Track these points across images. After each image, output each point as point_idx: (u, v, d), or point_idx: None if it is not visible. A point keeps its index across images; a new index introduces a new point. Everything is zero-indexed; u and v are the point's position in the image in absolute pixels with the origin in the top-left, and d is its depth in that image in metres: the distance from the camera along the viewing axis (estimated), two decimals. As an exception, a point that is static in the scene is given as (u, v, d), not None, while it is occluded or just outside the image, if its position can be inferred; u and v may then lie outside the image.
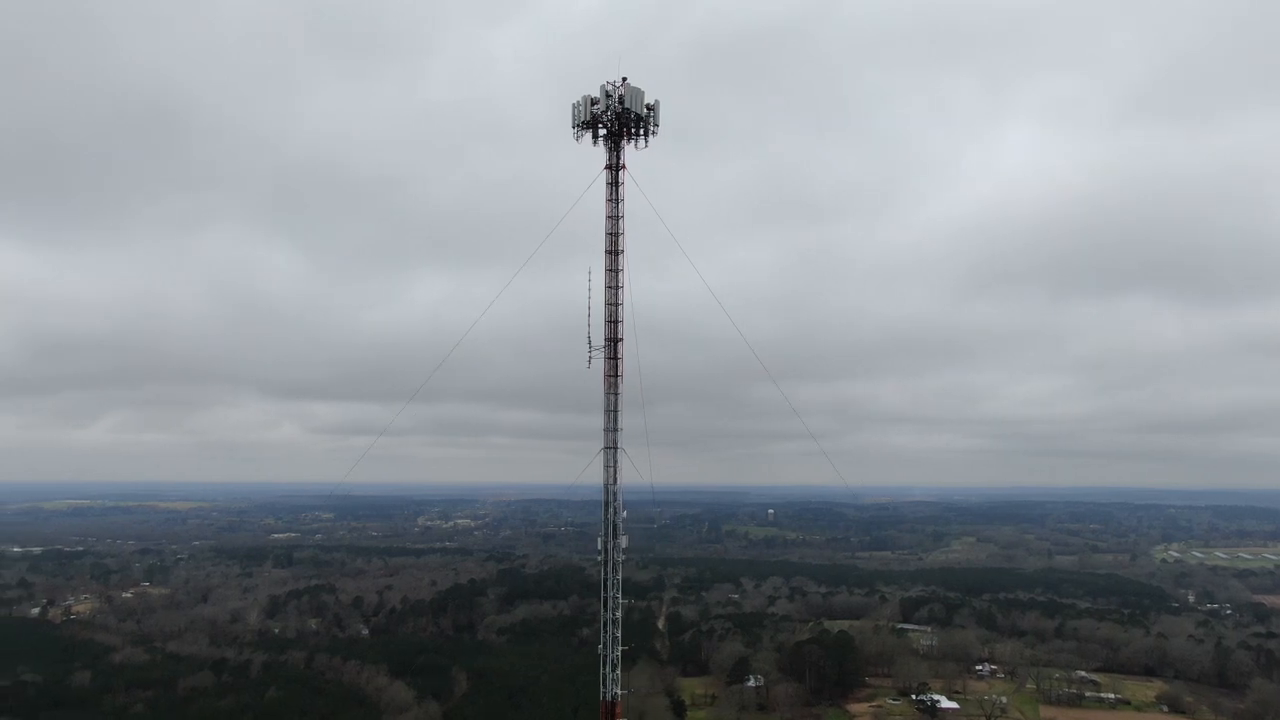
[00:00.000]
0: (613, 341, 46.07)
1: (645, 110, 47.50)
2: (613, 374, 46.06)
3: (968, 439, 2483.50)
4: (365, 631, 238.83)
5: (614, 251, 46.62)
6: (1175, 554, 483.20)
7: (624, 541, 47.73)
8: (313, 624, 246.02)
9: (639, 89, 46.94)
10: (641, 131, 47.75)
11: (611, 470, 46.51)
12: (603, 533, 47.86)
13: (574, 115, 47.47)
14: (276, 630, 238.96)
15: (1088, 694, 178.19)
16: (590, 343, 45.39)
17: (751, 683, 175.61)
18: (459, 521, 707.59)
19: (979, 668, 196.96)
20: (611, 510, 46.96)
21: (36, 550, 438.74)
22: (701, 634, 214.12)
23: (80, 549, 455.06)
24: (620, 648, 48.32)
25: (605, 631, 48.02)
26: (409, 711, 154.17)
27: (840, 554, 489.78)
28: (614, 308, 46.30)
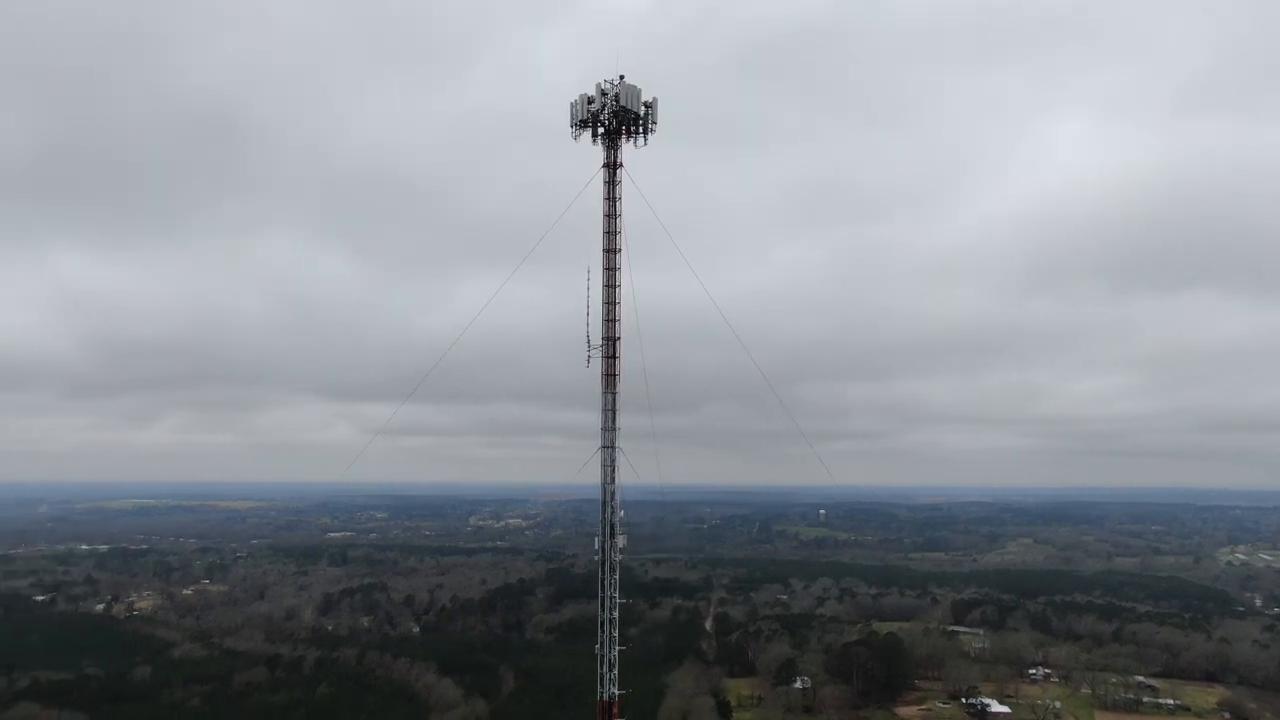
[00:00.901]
0: (610, 341, 46.08)
1: (643, 108, 47.38)
2: (610, 373, 46.12)
3: (1024, 438, 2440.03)
4: (416, 629, 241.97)
5: (611, 250, 46.60)
6: (1241, 556, 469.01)
7: (621, 541, 47.79)
8: (365, 622, 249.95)
9: (635, 86, 46.85)
10: (640, 129, 47.70)
11: (608, 470, 46.58)
12: (599, 532, 47.95)
13: (572, 114, 47.50)
14: (330, 627, 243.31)
15: (1145, 699, 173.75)
16: (589, 342, 45.50)
17: (798, 684, 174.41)
18: (511, 521, 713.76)
19: (1032, 671, 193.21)
20: (609, 510, 47.07)
21: (103, 548, 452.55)
22: (748, 634, 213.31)
23: (144, 547, 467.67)
24: (618, 647, 48.32)
25: (602, 631, 48.13)
26: (457, 709, 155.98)
27: (892, 555, 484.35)
28: (611, 306, 46.32)
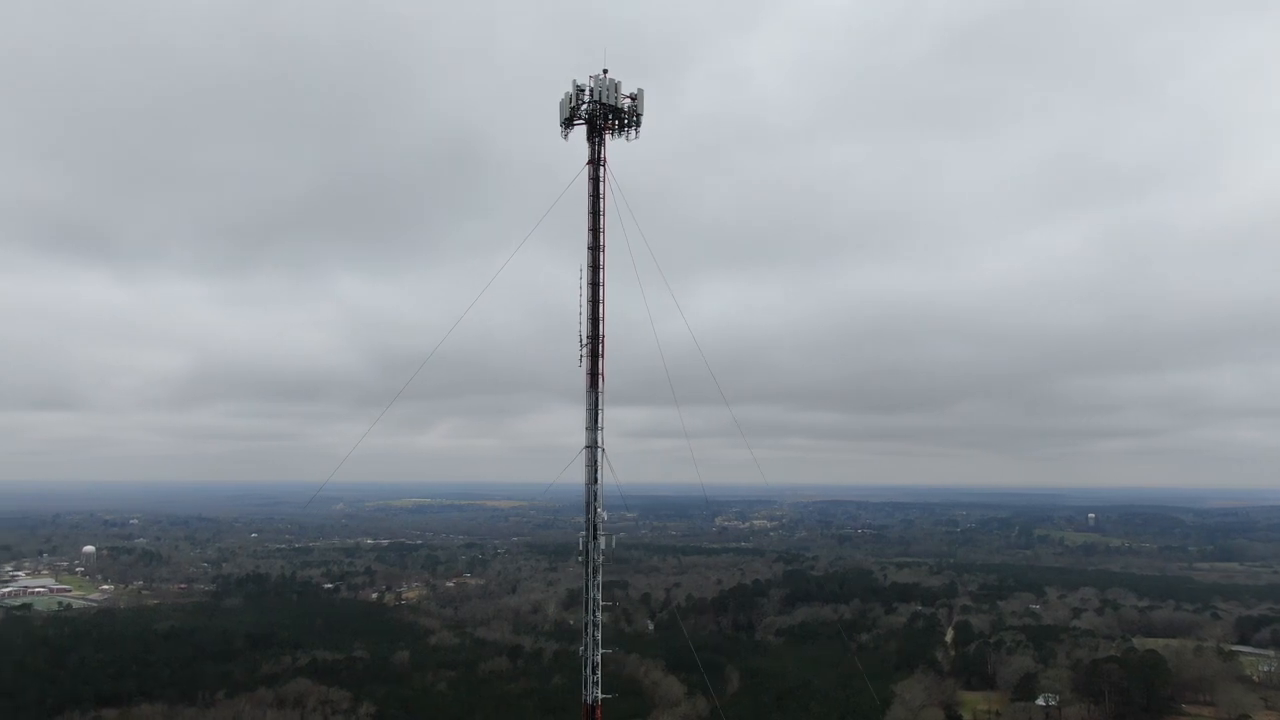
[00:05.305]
0: (594, 340, 45.45)
1: (627, 102, 46.36)
2: (594, 372, 45.51)
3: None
4: (650, 626, 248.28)
5: (595, 248, 45.89)
6: None
7: (603, 543, 46.82)
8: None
9: (615, 81, 45.89)
10: (627, 124, 46.69)
11: (592, 470, 45.85)
12: (584, 533, 47.25)
13: (560, 112, 47.05)
14: (570, 622, 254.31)
15: None
16: (581, 341, 44.95)
17: (1041, 701, 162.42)
18: (755, 522, 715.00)
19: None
20: (592, 511, 46.34)
21: (384, 542, 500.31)
22: (989, 645, 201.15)
23: (418, 542, 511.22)
24: (602, 651, 47.39)
25: (586, 634, 47.38)
26: (679, 706, 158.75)
27: (1173, 564, 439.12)
28: (595, 305, 45.72)
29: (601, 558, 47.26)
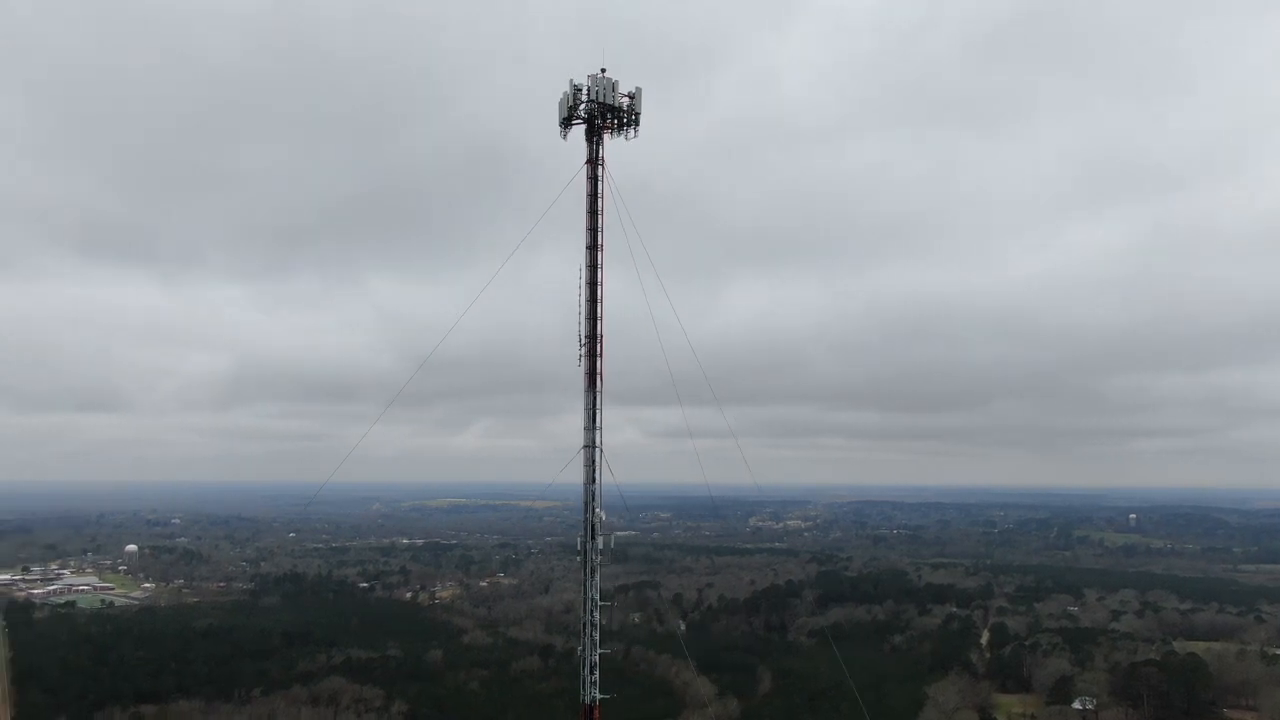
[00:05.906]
0: (592, 339, 45.30)
1: (625, 100, 46.16)
2: (592, 372, 45.38)
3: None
4: (682, 627, 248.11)
5: (594, 247, 45.75)
6: None
7: (601, 543, 46.75)
8: (635, 618, 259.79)
9: (613, 80, 45.73)
10: (625, 122, 46.53)
11: (590, 471, 45.80)
12: (581, 534, 47.24)
13: (559, 112, 46.93)
14: (602, 622, 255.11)
15: None
16: (580, 340, 44.80)
17: (1077, 705, 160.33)
18: (789, 522, 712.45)
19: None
20: (590, 511, 46.32)
21: (419, 542, 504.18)
22: (1025, 647, 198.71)
23: (454, 542, 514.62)
24: (599, 651, 47.31)
25: (584, 634, 47.34)
26: (709, 707, 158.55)
27: (1217, 566, 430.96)
28: (594, 304, 45.57)
29: (599, 558, 47.43)
